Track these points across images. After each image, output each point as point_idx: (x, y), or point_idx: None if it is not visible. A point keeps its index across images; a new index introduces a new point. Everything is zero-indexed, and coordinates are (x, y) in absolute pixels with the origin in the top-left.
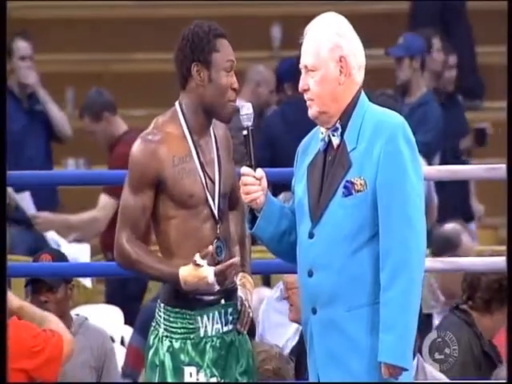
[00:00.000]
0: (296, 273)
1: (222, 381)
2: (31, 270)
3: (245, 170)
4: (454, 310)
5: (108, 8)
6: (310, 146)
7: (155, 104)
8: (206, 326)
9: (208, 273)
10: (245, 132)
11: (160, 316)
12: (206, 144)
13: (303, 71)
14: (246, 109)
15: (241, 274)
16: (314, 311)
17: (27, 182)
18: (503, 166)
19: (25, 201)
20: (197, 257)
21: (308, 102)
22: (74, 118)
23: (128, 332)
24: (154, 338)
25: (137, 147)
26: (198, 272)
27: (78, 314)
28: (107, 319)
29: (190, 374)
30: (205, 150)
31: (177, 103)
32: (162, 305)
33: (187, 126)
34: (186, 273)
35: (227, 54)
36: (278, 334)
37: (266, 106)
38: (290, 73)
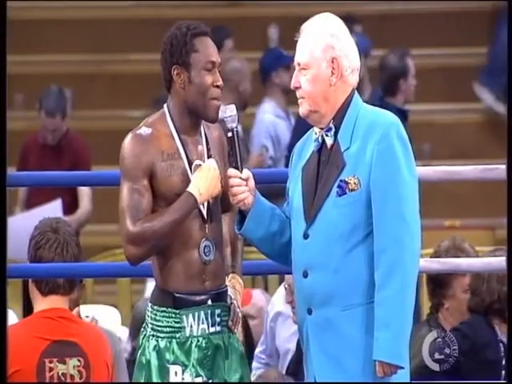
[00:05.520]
0: (288, 273)
1: (210, 381)
2: (30, 271)
3: (231, 171)
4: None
5: (104, 9)
6: (305, 148)
7: (151, 105)
8: (191, 326)
9: (211, 164)
10: (230, 134)
11: (148, 316)
12: (195, 144)
13: (296, 68)
14: (230, 111)
15: (230, 275)
16: (310, 311)
17: (27, 182)
18: (499, 167)
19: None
20: (196, 161)
21: (299, 100)
22: (72, 118)
23: (125, 332)
24: (143, 338)
25: (128, 142)
26: (203, 171)
27: (87, 316)
28: (104, 320)
29: (176, 372)
30: (193, 150)
31: (165, 105)
32: (150, 304)
33: (174, 126)
34: (194, 185)
35: (207, 53)
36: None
37: (249, 98)
38: (275, 62)
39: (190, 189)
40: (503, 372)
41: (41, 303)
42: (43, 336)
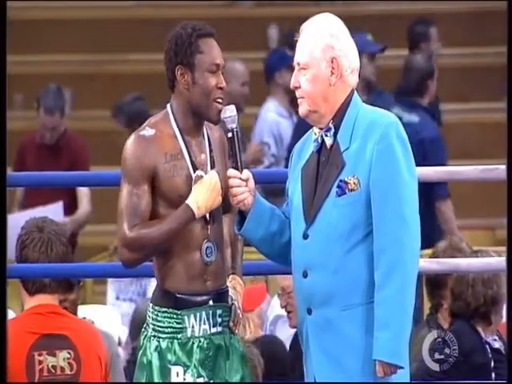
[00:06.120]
0: (288, 273)
1: (212, 382)
2: (30, 271)
3: (231, 172)
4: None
5: (104, 9)
6: (304, 148)
7: (151, 105)
8: (192, 326)
9: (213, 177)
10: (229, 134)
11: (149, 316)
12: (198, 145)
13: (296, 68)
14: (230, 111)
15: (231, 276)
16: (310, 311)
17: (26, 182)
18: (499, 167)
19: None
20: (197, 172)
21: (299, 100)
22: (72, 117)
23: (125, 332)
24: (144, 339)
25: (130, 143)
26: (204, 183)
27: (84, 317)
28: (104, 320)
29: (177, 373)
30: (197, 151)
31: (168, 105)
32: (151, 305)
33: (178, 126)
34: (193, 198)
35: (211, 54)
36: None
37: (241, 100)
38: (278, 62)
39: (189, 201)
40: (493, 374)
41: (29, 302)
42: (32, 330)
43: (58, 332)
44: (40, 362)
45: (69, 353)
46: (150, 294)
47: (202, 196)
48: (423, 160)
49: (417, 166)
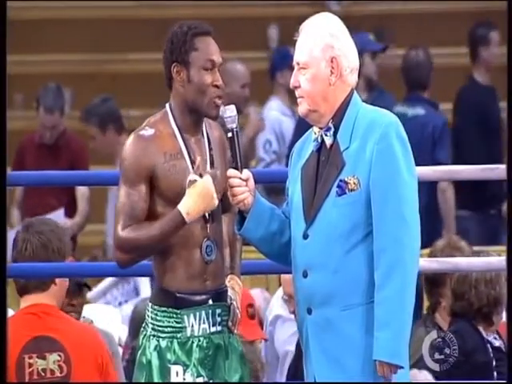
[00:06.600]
0: (288, 273)
1: (211, 381)
2: (30, 271)
3: (231, 171)
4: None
5: (104, 9)
6: (304, 148)
7: (151, 104)
8: (192, 326)
9: (206, 181)
10: (230, 134)
11: (148, 316)
12: (197, 143)
13: (295, 68)
14: (230, 111)
15: (229, 276)
16: (310, 311)
17: (25, 182)
18: (499, 167)
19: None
20: (190, 176)
21: (298, 99)
22: (72, 117)
23: (125, 332)
24: (143, 338)
25: (129, 143)
26: (196, 188)
27: (84, 317)
28: (104, 319)
29: (177, 372)
30: (196, 150)
31: (167, 104)
32: (150, 304)
33: (177, 125)
34: (185, 203)
35: (207, 52)
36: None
37: (241, 102)
38: (282, 62)
39: (180, 207)
40: (495, 373)
41: (23, 302)
42: (23, 332)
43: (47, 334)
44: (30, 365)
45: (59, 355)
46: (142, 293)
47: (194, 201)
48: (433, 146)
49: (427, 153)
